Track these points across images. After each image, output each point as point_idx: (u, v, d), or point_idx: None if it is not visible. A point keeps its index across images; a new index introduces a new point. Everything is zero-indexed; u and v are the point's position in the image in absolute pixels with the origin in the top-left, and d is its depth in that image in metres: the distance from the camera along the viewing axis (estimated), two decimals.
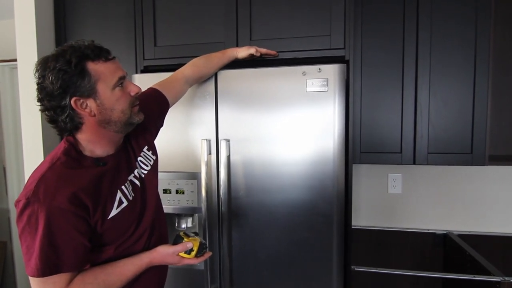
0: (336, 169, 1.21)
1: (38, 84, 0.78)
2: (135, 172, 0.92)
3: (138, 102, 0.87)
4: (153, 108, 1.05)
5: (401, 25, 1.43)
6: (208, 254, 0.95)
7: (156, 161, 1.02)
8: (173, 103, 1.15)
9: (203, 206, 1.27)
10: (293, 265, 1.25)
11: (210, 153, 1.29)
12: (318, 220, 1.23)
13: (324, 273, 1.23)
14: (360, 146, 1.50)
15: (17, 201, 0.74)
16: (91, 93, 0.78)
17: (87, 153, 0.83)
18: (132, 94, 0.84)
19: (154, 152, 1.03)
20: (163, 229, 1.02)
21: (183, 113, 1.30)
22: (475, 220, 1.76)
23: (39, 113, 1.49)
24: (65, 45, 0.78)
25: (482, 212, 1.75)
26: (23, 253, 0.74)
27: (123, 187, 0.86)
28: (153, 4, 1.40)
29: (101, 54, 0.79)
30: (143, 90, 0.93)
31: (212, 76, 1.27)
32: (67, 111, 0.78)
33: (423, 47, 1.42)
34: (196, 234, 0.95)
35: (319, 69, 1.18)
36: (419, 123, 1.44)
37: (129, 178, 0.90)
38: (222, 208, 1.28)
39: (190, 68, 1.20)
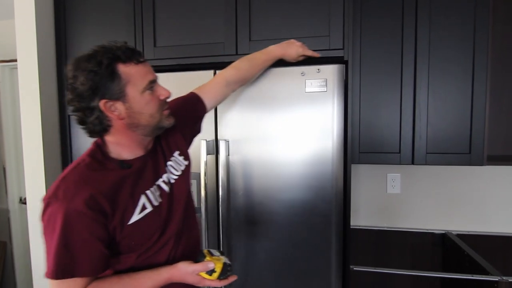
0: (335, 169, 1.21)
1: (69, 84, 0.77)
2: (164, 176, 0.88)
3: (167, 106, 0.85)
4: (189, 113, 1.02)
5: (400, 26, 1.44)
6: (233, 278, 0.86)
7: (188, 166, 0.97)
8: (213, 107, 1.12)
9: (203, 206, 1.27)
10: (292, 264, 1.26)
11: (209, 153, 1.29)
12: (317, 220, 1.23)
13: (323, 273, 1.24)
14: (359, 146, 1.50)
15: (42, 200, 0.75)
16: (120, 96, 0.76)
17: (113, 155, 0.82)
18: (162, 98, 0.82)
19: (187, 158, 0.98)
20: (192, 240, 0.95)
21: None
22: (474, 220, 1.77)
23: (39, 113, 1.51)
24: (98, 46, 0.77)
25: (481, 212, 1.76)
26: (45, 254, 0.74)
27: (148, 191, 0.83)
28: (153, 4, 1.41)
29: (133, 56, 0.77)
30: None
31: (212, 77, 1.27)
32: (96, 113, 0.77)
33: (421, 48, 1.42)
34: (222, 253, 0.87)
35: (318, 69, 1.19)
36: (417, 123, 1.44)
37: (157, 182, 0.86)
38: (222, 208, 1.28)
39: (231, 71, 1.14)
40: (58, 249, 0.71)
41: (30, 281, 2.11)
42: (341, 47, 1.25)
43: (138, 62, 0.78)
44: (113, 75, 0.75)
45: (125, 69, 0.76)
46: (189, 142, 1.04)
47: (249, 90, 1.25)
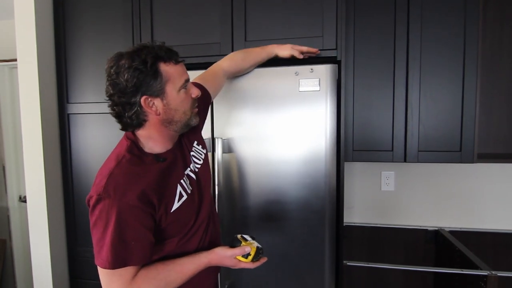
0: (328, 167, 1.24)
1: (111, 80, 0.80)
2: (191, 166, 0.96)
3: (197, 104, 0.91)
4: (199, 103, 1.05)
5: (392, 26, 1.47)
6: (263, 259, 0.95)
7: (206, 154, 1.05)
8: (214, 97, 1.17)
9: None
10: (286, 260, 1.29)
11: None
12: (311, 216, 1.26)
13: (316, 268, 1.27)
14: (352, 144, 1.53)
15: (89, 197, 0.78)
16: (160, 93, 0.81)
17: (147, 150, 0.87)
18: (193, 96, 0.88)
19: (204, 146, 1.06)
20: (216, 228, 1.05)
21: None
22: (466, 216, 1.80)
23: (39, 112, 1.54)
24: (139, 45, 0.82)
25: (472, 209, 1.79)
26: (94, 245, 0.78)
27: (182, 181, 0.89)
28: (151, 5, 1.43)
29: (172, 56, 0.82)
30: None
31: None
32: (135, 108, 0.81)
33: (413, 48, 1.45)
34: (253, 238, 0.95)
35: (311, 69, 1.22)
36: (409, 122, 1.47)
37: (186, 172, 0.93)
38: (217, 205, 1.31)
39: (227, 62, 1.21)
40: (113, 241, 0.75)
41: (29, 279, 2.13)
42: (334, 48, 1.28)
43: (177, 62, 0.83)
44: (156, 73, 0.79)
45: (166, 68, 0.81)
46: (201, 130, 1.11)
47: (245, 89, 1.28)
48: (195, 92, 0.88)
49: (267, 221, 1.29)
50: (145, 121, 0.84)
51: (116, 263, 0.76)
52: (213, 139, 1.32)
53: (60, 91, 1.62)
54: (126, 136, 0.87)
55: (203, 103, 1.09)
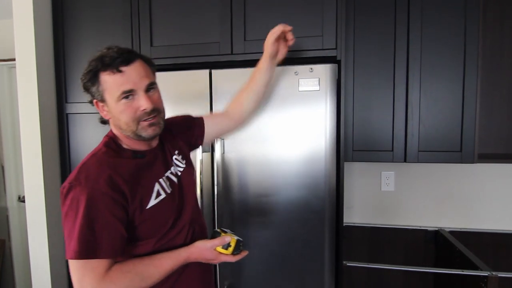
0: (328, 166, 1.24)
1: None
2: (172, 169, 0.94)
3: (148, 117, 0.83)
4: (181, 124, 1.08)
5: (393, 26, 1.46)
6: (244, 253, 0.92)
7: (189, 168, 1.02)
8: (212, 136, 1.15)
9: (198, 202, 1.29)
10: (286, 260, 1.28)
11: (205, 151, 1.31)
12: (311, 216, 1.26)
13: (316, 268, 1.27)
14: (352, 144, 1.53)
15: (62, 188, 0.78)
16: (102, 99, 0.84)
17: (125, 146, 0.87)
18: (141, 109, 0.82)
19: (188, 162, 1.02)
20: (203, 227, 1.02)
21: (179, 112, 1.33)
22: (466, 217, 1.79)
23: (37, 112, 1.53)
24: (104, 48, 0.84)
25: (473, 209, 1.79)
26: (65, 238, 0.76)
27: (160, 180, 0.88)
28: (150, 4, 1.43)
29: (113, 64, 0.79)
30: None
31: (207, 76, 1.30)
32: (95, 107, 0.87)
33: (413, 47, 1.45)
34: (232, 231, 0.94)
35: (311, 69, 1.21)
36: (410, 122, 1.47)
37: (166, 174, 0.92)
38: (217, 205, 1.31)
39: (230, 102, 1.18)
40: (82, 230, 0.73)
41: (28, 279, 2.13)
42: (334, 47, 1.27)
43: (118, 71, 0.80)
44: (94, 80, 0.82)
45: (104, 77, 0.81)
46: (187, 149, 1.08)
47: None
48: (142, 105, 0.82)
49: (266, 221, 1.29)
50: (106, 120, 0.89)
51: (83, 252, 0.73)
52: None
53: (58, 91, 1.61)
54: (107, 134, 0.90)
55: (188, 130, 1.08)
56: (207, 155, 1.32)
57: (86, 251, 0.74)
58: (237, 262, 1.31)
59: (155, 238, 0.85)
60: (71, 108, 1.59)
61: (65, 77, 1.59)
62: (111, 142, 0.87)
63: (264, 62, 1.12)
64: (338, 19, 1.26)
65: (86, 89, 0.84)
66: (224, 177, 1.31)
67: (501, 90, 1.67)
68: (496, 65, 1.66)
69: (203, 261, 0.89)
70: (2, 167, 2.33)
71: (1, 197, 2.36)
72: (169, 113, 1.31)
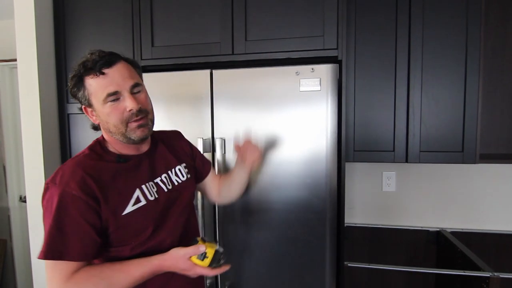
0: (329, 167, 1.23)
1: None
2: (162, 176, 0.92)
3: (136, 118, 0.82)
4: (198, 157, 1.09)
5: (394, 26, 1.46)
6: (225, 267, 0.84)
7: (189, 180, 1.00)
8: (205, 190, 1.16)
9: (199, 203, 1.29)
10: (287, 260, 1.28)
11: (206, 151, 1.31)
12: (312, 217, 1.25)
13: (317, 269, 1.26)
14: (353, 144, 1.52)
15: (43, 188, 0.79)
16: (89, 104, 0.83)
17: (112, 149, 0.87)
18: (127, 110, 0.81)
19: (192, 178, 1.02)
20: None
21: (180, 112, 1.33)
22: (467, 217, 1.79)
23: (39, 112, 1.53)
24: (85, 55, 0.83)
25: (474, 210, 1.78)
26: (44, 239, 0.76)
27: (143, 186, 0.86)
28: (151, 5, 1.43)
29: (95, 67, 0.79)
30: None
31: (208, 76, 1.30)
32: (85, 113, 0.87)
33: (415, 47, 1.44)
34: (216, 242, 0.87)
35: (312, 69, 1.21)
36: (411, 122, 1.46)
37: (155, 180, 0.89)
38: (217, 205, 1.30)
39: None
40: (51, 230, 0.73)
41: (30, 279, 2.13)
42: (335, 47, 1.27)
43: (100, 73, 0.79)
44: (79, 85, 0.82)
45: (89, 81, 0.81)
46: (193, 163, 1.07)
47: (245, 89, 1.27)
48: (129, 106, 0.81)
49: (267, 222, 1.29)
50: (96, 125, 0.89)
51: (49, 253, 0.72)
52: (213, 139, 1.31)
53: (60, 91, 1.61)
54: (96, 138, 0.91)
55: (201, 162, 1.10)
56: (208, 155, 1.32)
57: (52, 252, 0.73)
58: (239, 263, 1.32)
59: (129, 246, 0.82)
60: (72, 108, 1.59)
61: (66, 78, 1.59)
62: (97, 145, 0.87)
63: (235, 165, 1.16)
64: (339, 19, 1.26)
65: (74, 96, 0.84)
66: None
67: (503, 90, 1.67)
68: (497, 65, 1.66)
69: (178, 271, 0.82)
70: (4, 167, 2.33)
71: (3, 197, 2.36)
72: (170, 113, 1.33)
